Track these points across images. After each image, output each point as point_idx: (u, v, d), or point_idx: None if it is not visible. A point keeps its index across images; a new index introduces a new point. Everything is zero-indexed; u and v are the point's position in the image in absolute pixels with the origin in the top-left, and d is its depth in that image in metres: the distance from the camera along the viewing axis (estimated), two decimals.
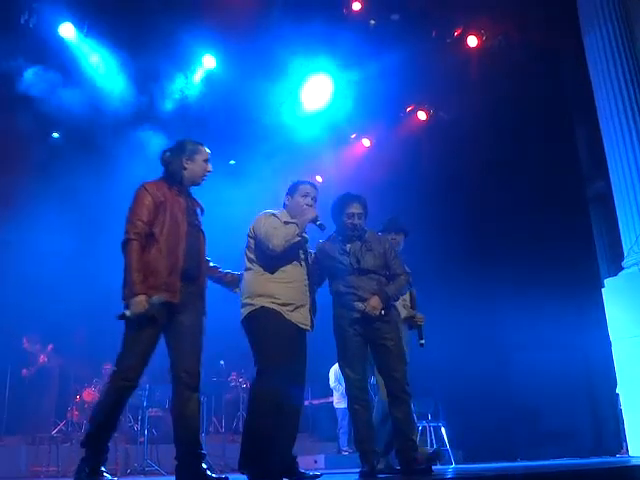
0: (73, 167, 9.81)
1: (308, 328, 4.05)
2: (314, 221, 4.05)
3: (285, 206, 4.22)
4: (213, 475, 3.72)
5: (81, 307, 9.34)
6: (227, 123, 9.99)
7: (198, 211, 4.05)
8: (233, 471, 7.61)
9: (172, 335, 3.74)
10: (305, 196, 4.14)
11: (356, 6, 10.31)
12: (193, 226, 3.91)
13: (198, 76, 10.26)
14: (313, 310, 4.13)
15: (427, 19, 10.40)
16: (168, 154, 3.97)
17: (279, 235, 3.91)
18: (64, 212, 9.56)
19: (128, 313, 3.59)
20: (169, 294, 3.66)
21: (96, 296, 9.24)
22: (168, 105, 10.16)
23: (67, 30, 9.16)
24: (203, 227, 4.03)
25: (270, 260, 3.99)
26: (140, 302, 3.56)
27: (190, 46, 9.66)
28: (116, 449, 8.26)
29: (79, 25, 9.14)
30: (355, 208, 4.34)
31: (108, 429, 3.67)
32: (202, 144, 4.03)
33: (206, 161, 4.00)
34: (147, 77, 9.62)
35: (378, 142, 12.18)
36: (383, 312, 4.15)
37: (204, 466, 3.69)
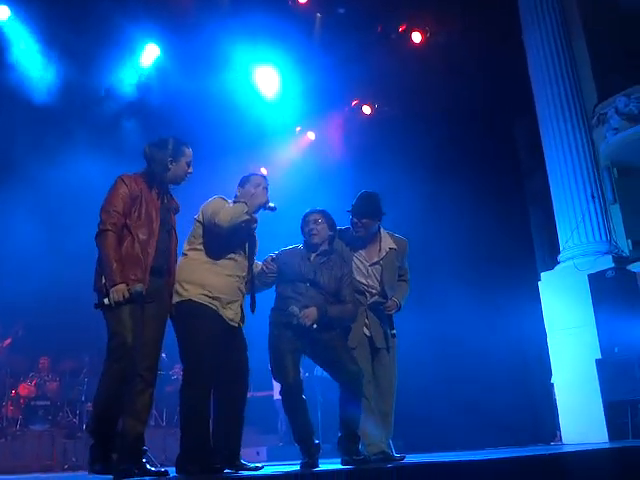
0: (20, 153, 9.53)
1: (235, 324, 3.97)
2: (264, 205, 4.02)
3: (236, 197, 4.16)
4: (153, 469, 3.69)
5: (18, 299, 9.07)
6: (171, 113, 9.84)
7: (173, 210, 4.00)
8: (174, 464, 7.54)
9: (139, 322, 3.67)
10: (257, 186, 4.11)
11: None
12: (165, 224, 3.86)
13: (141, 64, 10.09)
14: (252, 306, 4.09)
15: (373, 14, 10.48)
16: (153, 150, 3.88)
17: (226, 211, 3.86)
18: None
19: (107, 301, 3.56)
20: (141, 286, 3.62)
21: (34, 289, 9.01)
22: (112, 92, 9.97)
23: (2, 13, 8.87)
24: (176, 226, 3.99)
25: (212, 246, 3.93)
26: (121, 290, 3.54)
27: (133, 34, 9.47)
28: (53, 444, 8.09)
29: (15, 8, 8.87)
30: (311, 217, 4.37)
31: (111, 415, 3.57)
32: (187, 145, 3.96)
33: (189, 164, 3.95)
34: (87, 64, 9.38)
35: (323, 135, 12.20)
36: (315, 326, 4.09)
37: (143, 460, 3.66)
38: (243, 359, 4.03)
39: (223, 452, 3.85)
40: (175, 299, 3.88)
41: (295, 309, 4.11)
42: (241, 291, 4.03)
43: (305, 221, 4.40)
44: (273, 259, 4.35)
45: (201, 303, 3.84)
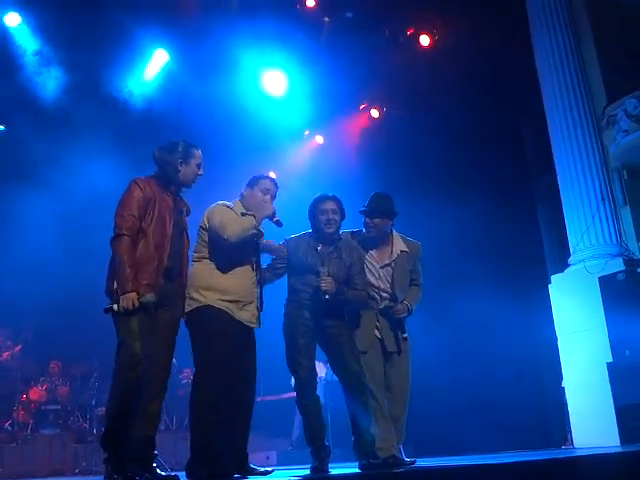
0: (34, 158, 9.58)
1: (254, 326, 4.03)
2: (271, 217, 4.03)
3: (242, 196, 4.18)
4: (163, 473, 3.69)
5: (28, 304, 9.11)
6: (179, 117, 9.87)
7: (184, 212, 4.02)
8: (184, 469, 7.54)
9: (151, 330, 3.68)
10: (265, 192, 4.12)
11: (310, 3, 10.32)
12: (178, 226, 3.89)
13: (150, 70, 10.13)
14: (260, 306, 4.10)
15: (380, 17, 10.48)
16: (163, 153, 3.91)
17: (235, 225, 3.88)
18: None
19: (116, 307, 3.57)
20: (153, 291, 3.63)
21: (44, 293, 9.06)
22: (120, 99, 10.00)
23: (12, 20, 8.93)
24: (188, 229, 4.02)
25: (221, 253, 3.95)
26: (131, 298, 3.54)
27: (142, 40, 9.51)
28: (64, 448, 8.11)
29: (25, 14, 8.92)
30: (329, 205, 4.32)
31: (124, 425, 3.56)
32: (197, 148, 4.00)
33: (199, 165, 3.98)
34: (96, 69, 9.41)
35: (331, 139, 12.21)
36: (327, 297, 4.08)
37: (154, 465, 3.67)
38: (253, 362, 4.06)
39: (231, 455, 3.86)
40: (193, 305, 3.91)
41: (324, 270, 4.13)
42: (255, 291, 4.05)
43: (321, 209, 4.32)
44: (284, 244, 4.37)
45: (219, 309, 3.86)
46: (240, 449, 3.96)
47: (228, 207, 4.06)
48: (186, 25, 9.56)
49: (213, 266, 3.97)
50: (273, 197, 4.16)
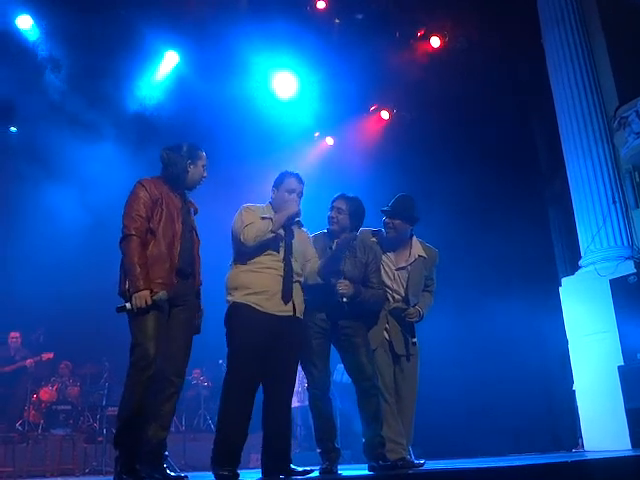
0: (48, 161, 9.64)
1: (287, 314, 3.92)
2: (293, 217, 4.01)
3: (271, 199, 4.18)
4: (172, 474, 3.70)
5: (40, 304, 9.16)
6: (189, 119, 9.90)
7: (192, 212, 4.05)
8: (193, 470, 7.58)
9: (166, 329, 3.70)
10: (291, 192, 4.11)
11: (320, 5, 10.34)
12: (187, 226, 3.91)
13: (161, 72, 10.17)
14: (285, 296, 3.94)
15: (391, 19, 10.49)
16: (171, 154, 3.93)
17: (251, 230, 3.87)
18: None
19: (129, 306, 3.59)
20: (167, 290, 3.65)
21: (56, 294, 9.11)
22: (131, 100, 10.05)
23: (24, 22, 8.99)
24: (197, 228, 4.05)
25: (244, 254, 3.97)
26: (144, 296, 3.56)
27: (153, 41, 9.55)
28: (74, 448, 8.15)
29: (36, 17, 8.98)
30: (335, 203, 4.37)
31: (137, 425, 3.57)
32: (202, 149, 4.03)
33: (204, 167, 4.01)
34: (106, 70, 9.46)
35: (342, 141, 12.21)
36: (345, 299, 4.08)
37: (164, 465, 3.68)
38: (291, 355, 3.99)
39: (272, 455, 3.87)
40: (227, 307, 3.94)
41: (345, 282, 4.13)
42: (280, 282, 3.97)
43: (330, 206, 4.39)
44: None
45: (244, 304, 3.86)
46: (283, 448, 3.93)
47: (250, 210, 4.04)
48: (197, 27, 9.59)
49: (240, 267, 3.98)
50: (300, 195, 4.15)
